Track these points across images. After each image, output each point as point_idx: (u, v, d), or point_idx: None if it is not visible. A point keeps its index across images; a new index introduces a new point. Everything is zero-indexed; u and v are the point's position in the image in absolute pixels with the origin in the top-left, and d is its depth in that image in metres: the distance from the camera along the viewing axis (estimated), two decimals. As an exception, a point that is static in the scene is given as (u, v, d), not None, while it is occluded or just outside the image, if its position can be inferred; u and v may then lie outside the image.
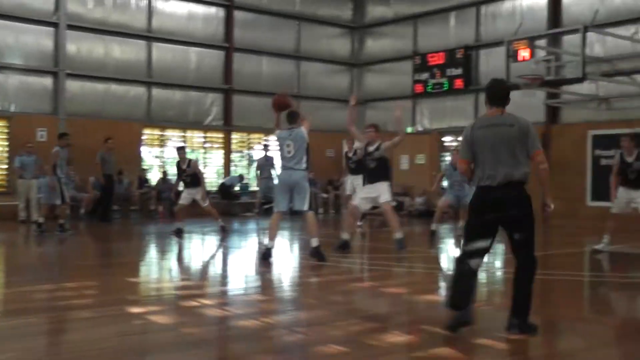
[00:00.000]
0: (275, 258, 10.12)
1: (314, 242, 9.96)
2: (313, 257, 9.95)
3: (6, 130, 18.37)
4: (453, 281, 5.68)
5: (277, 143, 10.24)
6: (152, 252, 12.73)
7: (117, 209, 18.87)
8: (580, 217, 17.93)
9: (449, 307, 5.57)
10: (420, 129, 22.67)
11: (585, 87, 18.25)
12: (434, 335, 5.67)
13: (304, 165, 9.85)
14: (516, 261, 5.63)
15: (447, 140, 22.26)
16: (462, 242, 5.70)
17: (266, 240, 10.21)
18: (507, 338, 5.54)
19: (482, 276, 9.64)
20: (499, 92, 5.68)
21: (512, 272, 5.70)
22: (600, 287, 8.91)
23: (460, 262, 5.65)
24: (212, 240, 13.94)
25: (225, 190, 21.29)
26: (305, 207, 9.96)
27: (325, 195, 22.10)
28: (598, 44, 18.18)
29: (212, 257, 12.00)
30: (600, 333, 5.91)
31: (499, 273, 10.11)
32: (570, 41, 17.64)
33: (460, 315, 5.49)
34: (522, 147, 5.47)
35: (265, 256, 9.92)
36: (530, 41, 16.21)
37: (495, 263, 11.29)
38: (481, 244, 5.54)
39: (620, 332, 5.40)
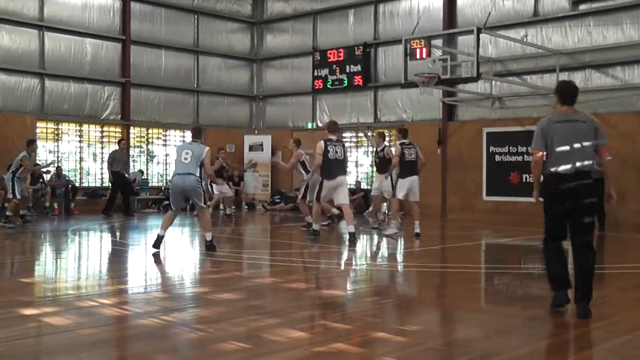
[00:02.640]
0: (168, 251, 10.11)
1: (208, 237, 10.79)
2: (208, 250, 10.69)
3: None
4: (551, 267, 6.19)
5: (176, 151, 11.07)
6: (48, 250, 12.28)
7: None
8: (476, 211, 18.58)
9: (557, 289, 6.07)
10: (320, 124, 22.85)
11: (480, 86, 18.95)
12: (333, 330, 5.75)
13: (197, 173, 10.55)
14: (578, 247, 6.07)
15: (347, 136, 22.50)
16: (545, 228, 6.18)
17: (160, 231, 10.69)
18: (404, 330, 5.68)
19: (388, 272, 9.84)
20: (571, 93, 6.23)
21: (573, 261, 6.15)
22: (495, 278, 9.23)
23: (550, 247, 6.16)
24: (113, 237, 13.60)
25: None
26: (202, 204, 10.79)
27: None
28: (491, 46, 18.86)
29: (111, 255, 11.72)
30: (495, 322, 6.13)
31: (399, 268, 10.33)
32: (465, 42, 18.25)
33: (564, 294, 6.02)
34: (591, 142, 6.02)
35: (156, 244, 10.54)
36: (427, 40, 16.62)
37: (398, 258, 11.53)
38: (563, 226, 6.06)
39: (514, 321, 5.62)
